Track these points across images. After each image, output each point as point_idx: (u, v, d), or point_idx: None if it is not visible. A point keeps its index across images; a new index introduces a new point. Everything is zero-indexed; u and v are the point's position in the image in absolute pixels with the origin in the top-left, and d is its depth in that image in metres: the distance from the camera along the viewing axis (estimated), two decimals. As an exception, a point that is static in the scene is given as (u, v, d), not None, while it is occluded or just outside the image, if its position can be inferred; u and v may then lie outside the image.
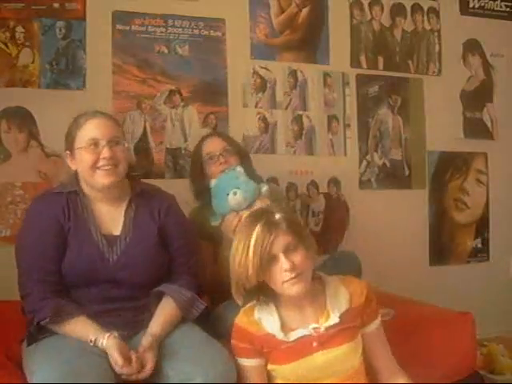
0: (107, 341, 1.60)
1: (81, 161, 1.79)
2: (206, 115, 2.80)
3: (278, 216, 1.57)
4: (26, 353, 1.70)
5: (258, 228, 1.53)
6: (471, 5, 3.40)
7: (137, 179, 1.97)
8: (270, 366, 1.64)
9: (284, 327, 1.61)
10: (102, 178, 1.78)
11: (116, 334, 1.63)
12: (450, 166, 3.34)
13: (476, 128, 3.40)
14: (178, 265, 1.87)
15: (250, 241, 1.53)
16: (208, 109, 2.80)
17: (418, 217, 3.25)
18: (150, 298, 1.78)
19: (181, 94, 2.76)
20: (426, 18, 3.28)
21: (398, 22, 3.22)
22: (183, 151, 2.75)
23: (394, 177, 3.20)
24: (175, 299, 1.77)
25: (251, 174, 2.26)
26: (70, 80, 2.56)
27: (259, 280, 1.56)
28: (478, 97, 3.41)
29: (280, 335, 1.59)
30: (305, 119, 3.00)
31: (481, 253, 3.41)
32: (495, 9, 3.45)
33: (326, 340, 1.60)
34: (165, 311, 1.76)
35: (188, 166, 2.74)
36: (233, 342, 1.65)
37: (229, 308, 2.03)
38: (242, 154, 2.36)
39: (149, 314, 1.76)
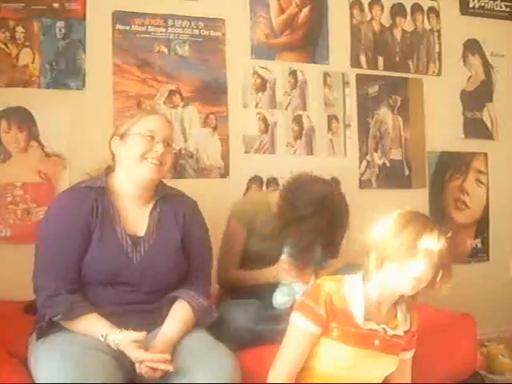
0: (119, 335, 1.61)
1: (132, 147, 1.80)
2: (206, 115, 2.80)
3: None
4: (32, 348, 1.69)
5: (431, 231, 1.62)
6: (471, 5, 3.40)
7: (162, 182, 1.98)
8: (325, 340, 1.61)
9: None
10: (146, 171, 1.79)
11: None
12: (450, 166, 3.34)
13: (476, 128, 3.40)
14: (195, 271, 1.88)
15: (419, 232, 1.62)
16: (208, 109, 2.80)
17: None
18: (163, 302, 1.78)
19: (181, 94, 2.76)
20: (425, 18, 3.28)
21: (398, 22, 3.22)
22: (183, 151, 2.75)
23: (394, 177, 3.20)
24: (192, 306, 1.77)
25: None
26: (70, 80, 2.56)
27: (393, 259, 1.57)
28: (478, 97, 3.41)
29: (360, 319, 1.59)
30: (305, 119, 3.00)
31: (481, 253, 3.41)
32: (495, 9, 3.45)
33: (385, 344, 1.63)
34: (181, 316, 1.76)
35: (188, 165, 2.75)
36: (307, 300, 1.61)
37: (228, 308, 2.03)
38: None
39: (159, 317, 1.76)
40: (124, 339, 1.60)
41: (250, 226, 2.27)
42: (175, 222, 1.88)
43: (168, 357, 1.59)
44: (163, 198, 1.90)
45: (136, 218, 1.84)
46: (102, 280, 1.75)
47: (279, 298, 2.07)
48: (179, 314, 1.76)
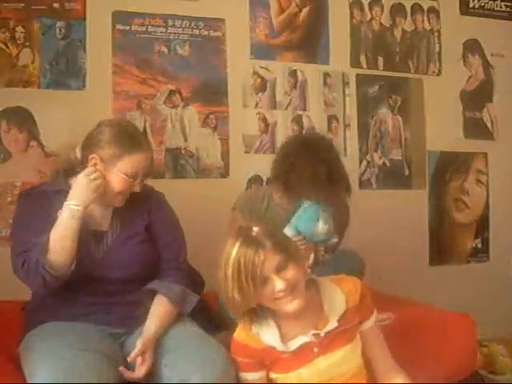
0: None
1: (111, 182, 1.77)
2: (206, 115, 2.80)
3: (260, 234, 1.51)
4: (24, 352, 1.69)
5: (245, 251, 1.47)
6: (471, 5, 3.40)
7: None
8: (272, 375, 1.62)
9: (283, 338, 1.58)
10: (118, 203, 1.81)
11: None
12: (450, 166, 3.34)
13: (476, 128, 3.40)
14: (167, 261, 1.87)
15: (239, 264, 1.47)
16: (208, 109, 2.80)
17: (418, 217, 3.25)
18: (142, 295, 1.78)
19: (181, 94, 2.76)
20: (425, 18, 3.29)
21: (398, 22, 3.23)
22: (183, 151, 2.76)
23: (394, 177, 3.20)
24: (166, 295, 1.77)
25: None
26: (70, 80, 2.57)
27: (255, 303, 1.53)
28: (477, 97, 3.41)
29: (280, 346, 1.57)
30: (305, 119, 3.00)
31: (481, 253, 3.41)
32: (495, 9, 3.46)
33: (326, 344, 1.59)
34: (158, 309, 1.76)
35: (188, 165, 2.75)
36: (235, 358, 1.62)
37: None
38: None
39: (143, 310, 1.75)
40: None
41: (250, 215, 2.28)
42: (138, 215, 1.87)
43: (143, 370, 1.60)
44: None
45: (99, 214, 1.84)
46: (72, 276, 1.73)
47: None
48: (157, 308, 1.76)
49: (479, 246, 3.41)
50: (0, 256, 2.37)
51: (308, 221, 2.15)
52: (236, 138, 2.86)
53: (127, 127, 1.87)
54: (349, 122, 3.10)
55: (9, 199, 2.45)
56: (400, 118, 3.22)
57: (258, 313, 1.58)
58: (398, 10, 3.22)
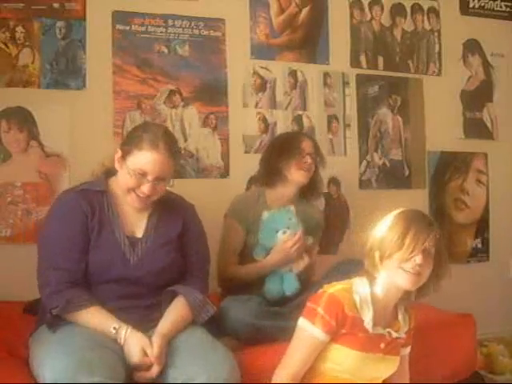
0: (130, 333, 1.65)
1: (123, 177, 1.82)
2: (206, 115, 2.80)
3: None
4: (35, 346, 1.70)
5: (421, 223, 1.70)
6: (471, 5, 3.40)
7: None
8: (334, 345, 1.62)
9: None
10: (133, 202, 1.83)
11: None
12: (450, 166, 3.33)
13: (476, 128, 3.40)
14: (192, 270, 1.92)
15: (411, 226, 1.68)
16: (208, 109, 2.80)
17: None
18: (162, 297, 1.81)
19: (181, 94, 2.75)
20: (426, 18, 3.28)
21: (398, 22, 3.22)
22: (183, 151, 2.75)
23: (394, 177, 3.19)
24: (187, 299, 1.79)
25: (316, 189, 2.53)
26: (70, 80, 2.56)
27: (391, 257, 1.61)
28: (477, 97, 3.40)
29: (369, 324, 1.61)
30: (305, 119, 3.00)
31: (481, 253, 3.41)
32: (495, 9, 3.45)
33: (390, 347, 1.67)
34: (176, 311, 1.78)
35: (188, 165, 2.75)
36: (318, 308, 1.60)
37: (231, 303, 2.05)
38: (319, 163, 2.51)
39: (159, 313, 1.78)
40: (134, 341, 1.64)
41: (245, 222, 2.31)
42: (173, 224, 1.91)
43: (156, 369, 1.62)
44: (162, 201, 1.91)
45: (135, 220, 1.88)
46: (103, 278, 1.77)
47: (289, 285, 2.20)
48: (175, 308, 1.79)
49: (479, 245, 3.41)
50: (1, 256, 2.39)
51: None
52: (236, 138, 2.85)
53: (151, 127, 1.91)
54: (349, 122, 3.10)
55: (9, 199, 2.44)
56: (400, 118, 3.22)
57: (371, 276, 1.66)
58: (398, 10, 3.22)
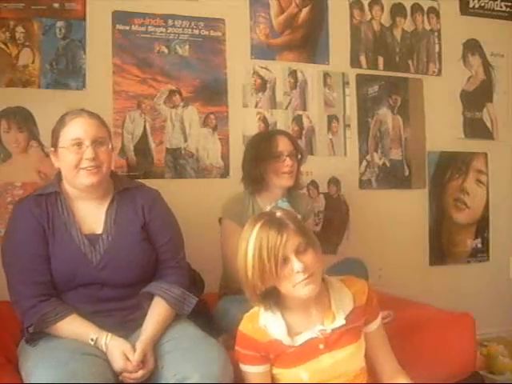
0: (110, 341, 1.62)
1: (64, 160, 1.76)
2: (206, 115, 2.80)
3: (283, 216, 1.55)
4: (21, 354, 1.70)
5: (268, 231, 1.50)
6: (471, 5, 3.40)
7: (120, 176, 1.95)
8: (275, 370, 1.62)
9: (290, 332, 1.58)
10: (84, 179, 1.75)
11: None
12: (450, 166, 3.34)
13: (476, 128, 3.40)
14: (165, 260, 1.84)
15: (261, 244, 1.50)
16: (208, 109, 2.80)
17: (418, 217, 3.25)
18: (139, 298, 1.77)
19: (181, 94, 2.76)
20: (425, 17, 3.28)
21: (398, 22, 3.22)
22: (183, 151, 2.75)
23: (394, 177, 3.19)
24: (165, 299, 1.75)
25: (300, 183, 2.45)
26: (70, 80, 2.56)
27: (271, 284, 1.54)
28: (477, 97, 3.41)
29: (287, 340, 1.57)
30: (305, 119, 3.00)
31: (481, 253, 3.41)
32: (495, 9, 3.46)
33: (332, 342, 1.60)
34: (156, 312, 1.75)
35: (188, 165, 2.75)
36: (237, 348, 1.63)
37: (230, 302, 2.05)
38: (301, 159, 2.40)
39: (140, 313, 1.75)
40: (115, 347, 1.61)
41: (242, 223, 2.28)
42: (134, 214, 1.83)
43: (145, 373, 1.61)
44: (121, 192, 1.86)
45: (93, 216, 1.81)
46: (69, 283, 1.73)
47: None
48: (155, 311, 1.75)
49: (479, 245, 3.41)
50: None
51: None
52: (236, 138, 2.85)
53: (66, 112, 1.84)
54: (349, 122, 3.10)
55: (9, 199, 2.44)
56: (400, 118, 3.22)
57: (269, 302, 1.58)
58: (398, 10, 3.22)
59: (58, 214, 1.77)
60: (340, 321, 1.59)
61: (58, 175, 1.85)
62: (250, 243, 1.52)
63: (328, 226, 3.02)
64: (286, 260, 1.50)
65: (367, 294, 1.66)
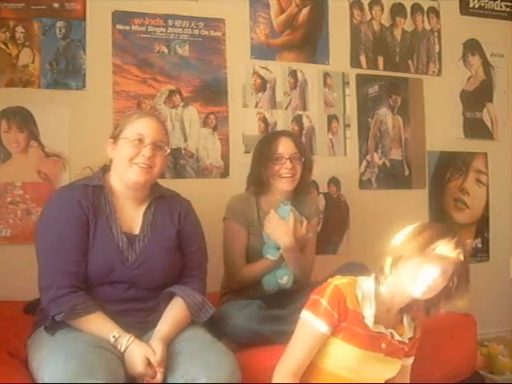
0: (132, 343, 1.63)
1: (121, 151, 1.82)
2: (206, 115, 2.80)
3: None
4: (35, 344, 1.70)
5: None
6: (471, 5, 3.40)
7: (157, 183, 1.99)
8: (334, 340, 1.61)
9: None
10: (135, 174, 1.80)
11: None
12: (450, 166, 3.34)
13: (476, 128, 3.40)
14: (190, 268, 1.90)
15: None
16: (208, 109, 2.80)
17: (417, 217, 3.22)
18: (160, 299, 1.79)
19: (181, 94, 2.75)
20: (426, 17, 3.28)
21: (398, 22, 3.22)
22: (183, 151, 2.75)
23: (394, 177, 3.19)
24: (186, 301, 1.78)
25: (305, 188, 2.42)
26: (70, 80, 2.56)
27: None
28: (477, 97, 3.41)
29: (369, 320, 1.60)
30: (305, 119, 3.00)
31: (481, 253, 3.41)
32: (495, 9, 3.46)
33: (391, 348, 1.65)
34: (175, 312, 1.77)
35: (188, 165, 2.75)
36: (321, 299, 1.60)
37: (233, 307, 2.05)
38: (306, 163, 2.36)
39: (157, 314, 1.77)
40: (137, 351, 1.62)
41: (246, 223, 2.30)
42: (170, 221, 1.89)
43: (160, 375, 1.61)
44: (157, 198, 1.91)
45: (131, 216, 1.85)
46: (98, 278, 1.74)
47: (281, 272, 2.23)
48: (173, 310, 1.77)
49: (479, 245, 3.41)
50: (1, 256, 2.39)
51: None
52: (236, 138, 2.85)
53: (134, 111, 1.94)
54: (349, 122, 3.10)
55: (9, 199, 2.44)
56: (400, 118, 3.22)
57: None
58: (398, 10, 3.22)
59: (101, 207, 1.81)
60: (406, 338, 1.69)
61: (104, 168, 1.89)
62: (428, 230, 1.66)
63: (328, 226, 3.01)
64: (439, 260, 1.62)
65: (420, 332, 1.76)
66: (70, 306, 1.64)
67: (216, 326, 1.93)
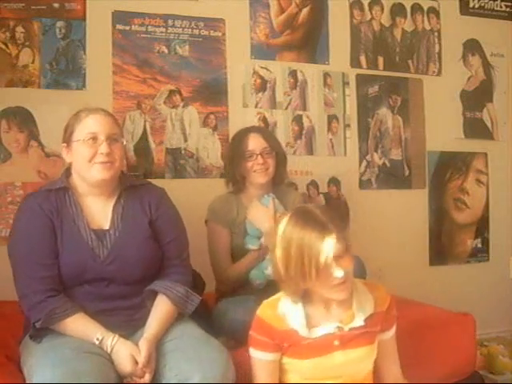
0: (117, 343, 1.62)
1: (78, 154, 1.79)
2: (206, 115, 2.80)
3: (325, 219, 1.52)
4: (24, 351, 1.70)
5: (310, 233, 1.49)
6: (471, 5, 3.40)
7: (125, 174, 1.96)
8: (285, 359, 1.62)
9: (308, 323, 1.59)
10: (98, 173, 1.77)
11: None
12: (450, 166, 3.34)
13: (476, 128, 3.40)
14: (169, 258, 1.86)
15: (302, 247, 1.49)
16: (208, 109, 2.80)
17: (418, 217, 3.25)
18: (143, 296, 1.77)
19: (181, 94, 2.76)
20: (426, 18, 3.28)
21: (398, 22, 3.22)
22: (183, 151, 2.76)
23: (394, 177, 3.19)
24: (169, 296, 1.76)
25: (281, 180, 2.42)
26: (70, 80, 2.56)
27: (310, 285, 1.54)
28: (478, 97, 3.41)
29: (304, 332, 1.58)
30: (305, 119, 3.00)
31: (481, 253, 3.41)
32: (495, 9, 3.45)
33: (347, 340, 1.61)
34: (160, 310, 1.75)
35: (188, 165, 2.75)
36: (251, 333, 1.62)
37: (228, 304, 2.05)
38: (279, 156, 2.37)
39: (144, 311, 1.75)
40: (123, 350, 1.62)
41: (227, 224, 2.29)
42: (141, 211, 1.86)
43: (149, 375, 1.61)
44: (127, 189, 1.88)
45: (100, 212, 1.83)
46: (75, 279, 1.73)
47: (267, 269, 2.17)
48: (158, 307, 1.76)
49: (479, 245, 3.41)
50: (0, 256, 2.38)
51: None
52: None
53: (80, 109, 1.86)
54: (349, 122, 3.10)
55: (9, 199, 2.45)
56: (400, 118, 3.22)
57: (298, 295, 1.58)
58: (398, 10, 3.22)
59: (66, 208, 1.79)
60: (359, 321, 1.61)
61: (67, 171, 1.87)
62: (292, 244, 1.51)
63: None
64: (326, 265, 1.49)
65: (389, 301, 1.69)
66: (49, 311, 1.63)
67: (214, 323, 1.93)
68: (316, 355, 1.59)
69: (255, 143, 2.31)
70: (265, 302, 1.65)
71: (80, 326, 1.66)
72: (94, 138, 1.77)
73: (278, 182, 2.40)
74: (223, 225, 2.29)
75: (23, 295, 1.71)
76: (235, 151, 2.34)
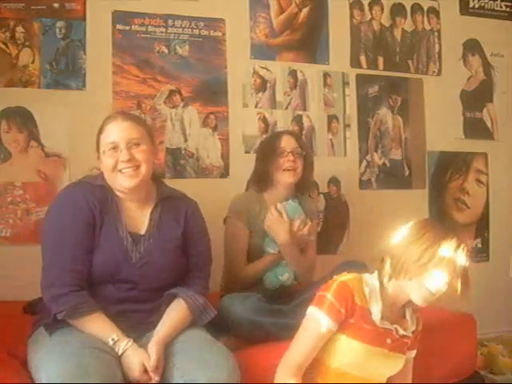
0: (130, 348, 1.63)
1: (103, 165, 1.82)
2: (206, 115, 2.80)
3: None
4: (33, 345, 1.70)
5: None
6: (471, 5, 3.40)
7: (164, 184, 2.00)
8: (340, 336, 1.61)
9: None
10: (123, 181, 1.80)
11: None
12: (450, 166, 3.34)
13: (476, 128, 3.40)
14: (194, 270, 1.90)
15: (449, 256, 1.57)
16: (208, 109, 2.80)
17: (418, 217, 3.17)
18: (161, 301, 1.79)
19: (181, 94, 2.76)
20: (425, 18, 3.28)
21: (398, 22, 3.22)
22: (183, 151, 2.76)
23: (394, 177, 3.20)
24: (188, 302, 1.77)
25: (306, 186, 2.51)
26: (70, 80, 2.56)
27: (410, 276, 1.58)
28: (478, 97, 3.41)
29: (377, 317, 1.61)
30: (305, 119, 3.00)
31: (481, 253, 3.41)
32: (495, 9, 3.46)
33: (396, 343, 1.66)
34: (175, 314, 1.76)
35: (188, 165, 2.76)
36: (326, 294, 1.59)
37: (233, 299, 2.05)
38: (307, 160, 2.43)
39: (157, 316, 1.76)
40: (135, 356, 1.62)
41: (248, 222, 2.32)
42: (175, 221, 1.89)
43: (157, 378, 1.61)
44: (165, 198, 1.91)
45: (137, 217, 1.86)
46: (103, 276, 1.75)
47: (281, 269, 2.28)
48: (175, 311, 1.77)
49: (479, 245, 3.41)
50: (1, 256, 2.39)
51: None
52: (236, 138, 2.85)
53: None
54: (349, 122, 3.10)
55: (9, 199, 2.44)
56: (400, 118, 3.22)
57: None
58: (398, 10, 3.22)
59: (108, 206, 1.81)
60: (409, 332, 1.69)
61: (103, 173, 1.88)
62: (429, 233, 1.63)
63: (328, 226, 3.01)
64: (442, 265, 1.57)
65: (422, 325, 1.76)
66: (74, 305, 1.64)
67: (217, 319, 1.93)
68: (369, 342, 1.61)
69: (288, 142, 2.38)
70: (349, 275, 1.66)
71: (98, 324, 1.67)
72: (115, 147, 1.79)
73: (303, 189, 2.48)
74: (244, 222, 2.32)
75: (49, 284, 1.70)
76: (267, 148, 2.41)
